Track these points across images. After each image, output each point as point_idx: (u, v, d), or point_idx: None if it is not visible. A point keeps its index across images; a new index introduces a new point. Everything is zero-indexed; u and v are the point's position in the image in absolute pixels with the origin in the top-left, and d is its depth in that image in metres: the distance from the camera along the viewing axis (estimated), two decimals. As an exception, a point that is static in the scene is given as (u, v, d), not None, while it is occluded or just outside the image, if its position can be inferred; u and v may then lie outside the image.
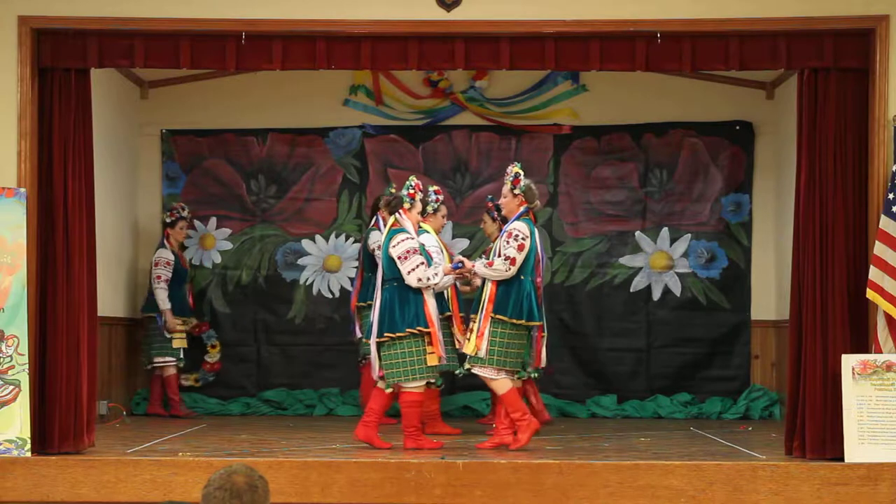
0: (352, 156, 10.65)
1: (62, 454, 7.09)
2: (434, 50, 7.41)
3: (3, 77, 7.22)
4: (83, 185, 7.35)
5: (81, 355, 7.25)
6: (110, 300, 9.42)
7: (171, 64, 7.50)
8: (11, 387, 7.04)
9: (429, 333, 7.62)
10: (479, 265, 7.75)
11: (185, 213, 10.19)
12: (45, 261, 7.27)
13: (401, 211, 7.90)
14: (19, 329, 7.07)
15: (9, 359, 7.05)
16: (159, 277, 9.91)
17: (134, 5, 7.27)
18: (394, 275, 7.72)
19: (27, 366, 7.06)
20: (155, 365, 9.97)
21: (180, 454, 7.18)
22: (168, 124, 10.60)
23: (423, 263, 7.68)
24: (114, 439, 7.99)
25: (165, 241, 10.09)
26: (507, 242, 7.65)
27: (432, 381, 7.78)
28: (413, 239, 7.77)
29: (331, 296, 10.49)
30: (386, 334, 7.64)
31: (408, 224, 7.85)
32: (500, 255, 7.65)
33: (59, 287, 7.24)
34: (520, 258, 7.63)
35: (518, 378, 7.95)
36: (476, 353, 7.64)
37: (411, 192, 7.89)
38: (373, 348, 7.76)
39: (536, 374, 8.17)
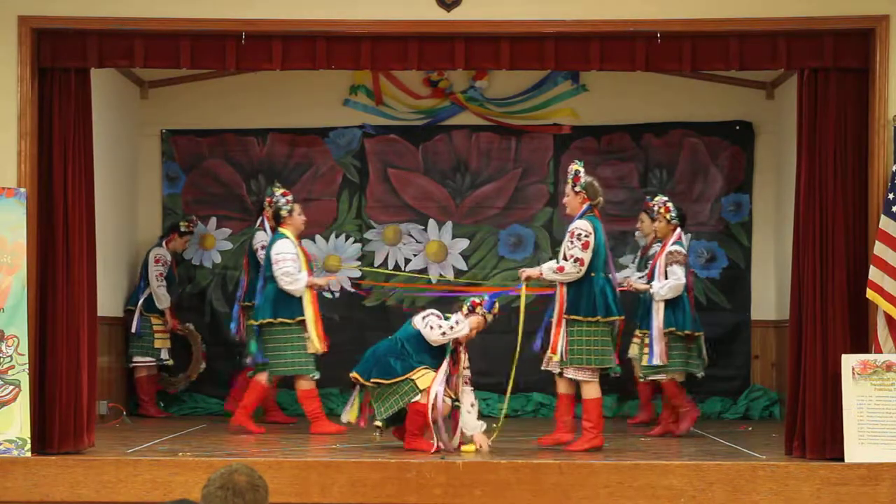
0: (352, 156, 10.65)
1: (62, 454, 7.09)
2: (434, 50, 7.41)
3: (3, 77, 7.22)
4: (83, 185, 7.35)
5: (81, 355, 7.25)
6: (110, 300, 9.42)
7: (171, 64, 7.51)
8: (11, 387, 7.04)
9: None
10: (547, 271, 7.68)
11: (194, 229, 10.26)
12: (45, 261, 7.27)
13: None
14: (19, 329, 7.07)
15: (9, 359, 7.05)
16: (161, 275, 9.89)
17: (134, 5, 7.27)
18: None
19: (27, 366, 7.06)
20: (133, 364, 9.91)
21: (180, 454, 7.18)
22: (168, 124, 10.59)
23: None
24: (114, 439, 7.99)
25: (165, 243, 10.08)
26: (571, 243, 7.62)
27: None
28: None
29: (331, 296, 10.48)
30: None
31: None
32: (567, 258, 7.59)
33: (59, 287, 7.24)
34: (587, 257, 7.59)
35: (613, 374, 7.91)
36: (555, 357, 7.61)
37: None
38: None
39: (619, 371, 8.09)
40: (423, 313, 7.77)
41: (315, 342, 8.70)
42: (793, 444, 7.23)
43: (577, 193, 7.82)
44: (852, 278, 7.14)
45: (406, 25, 7.30)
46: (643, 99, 10.38)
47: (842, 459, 6.90)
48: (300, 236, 9.12)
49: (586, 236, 7.61)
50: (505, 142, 10.63)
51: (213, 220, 10.60)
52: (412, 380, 7.54)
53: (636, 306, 9.02)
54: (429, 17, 7.26)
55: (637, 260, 9.67)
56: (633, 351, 9.21)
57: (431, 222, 10.60)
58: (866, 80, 7.22)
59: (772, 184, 10.38)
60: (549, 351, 7.73)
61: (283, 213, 8.88)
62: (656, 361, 8.45)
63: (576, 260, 7.56)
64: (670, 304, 8.51)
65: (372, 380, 7.60)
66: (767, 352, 10.43)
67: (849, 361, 6.99)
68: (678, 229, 8.81)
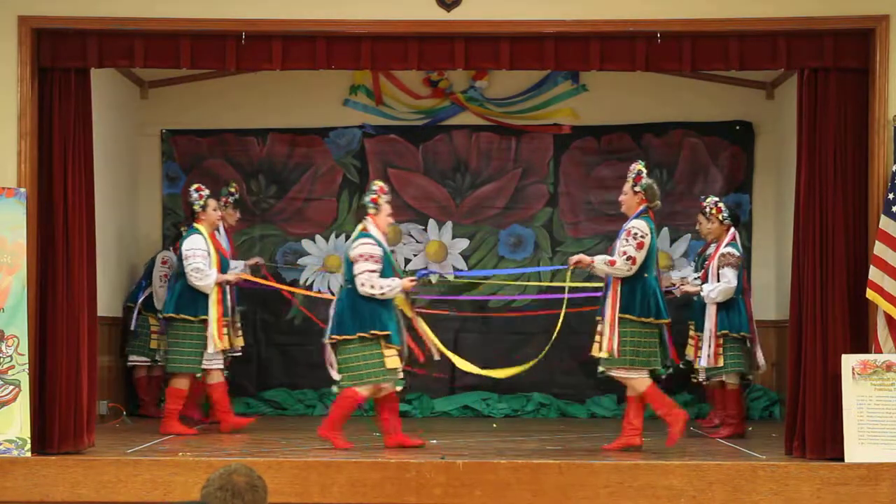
0: (352, 156, 10.65)
1: (62, 454, 7.09)
2: (434, 50, 7.41)
3: (3, 77, 7.22)
4: (83, 185, 7.35)
5: (81, 355, 7.25)
6: (110, 300, 9.41)
7: (171, 64, 7.50)
8: (11, 387, 7.04)
9: (386, 337, 7.63)
10: (599, 262, 7.66)
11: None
12: (45, 261, 7.27)
13: (367, 216, 7.89)
14: (19, 329, 7.07)
15: (9, 359, 7.05)
16: (165, 276, 9.88)
17: (134, 5, 7.27)
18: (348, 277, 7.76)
19: (27, 366, 7.06)
20: (130, 363, 9.89)
21: (180, 454, 7.18)
22: (168, 124, 10.59)
23: (373, 271, 7.66)
24: (114, 439, 7.99)
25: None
26: (627, 241, 7.61)
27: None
28: (376, 245, 7.74)
29: (331, 296, 10.46)
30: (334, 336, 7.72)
31: (373, 229, 7.84)
32: (622, 254, 7.58)
33: (59, 287, 7.24)
34: (640, 257, 7.58)
35: (661, 375, 7.87)
36: (608, 355, 7.57)
37: (374, 196, 7.88)
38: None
39: (672, 370, 8.05)
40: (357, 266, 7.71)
41: (216, 341, 8.59)
42: (793, 444, 7.23)
43: (635, 193, 7.79)
44: (852, 278, 7.14)
45: (406, 25, 7.30)
46: (643, 99, 10.38)
47: (842, 459, 6.90)
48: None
49: (642, 236, 7.59)
50: (505, 142, 10.63)
51: (213, 221, 10.60)
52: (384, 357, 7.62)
53: (691, 308, 9.09)
54: (429, 17, 7.26)
55: (696, 260, 9.65)
56: (690, 353, 9.26)
57: (431, 222, 10.60)
58: (866, 80, 7.22)
59: (772, 184, 10.38)
60: (600, 351, 7.67)
61: (196, 208, 8.80)
62: (704, 363, 8.52)
63: (628, 258, 7.55)
64: (724, 307, 8.52)
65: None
66: (767, 352, 10.36)
67: (849, 361, 6.99)
68: (732, 230, 8.79)
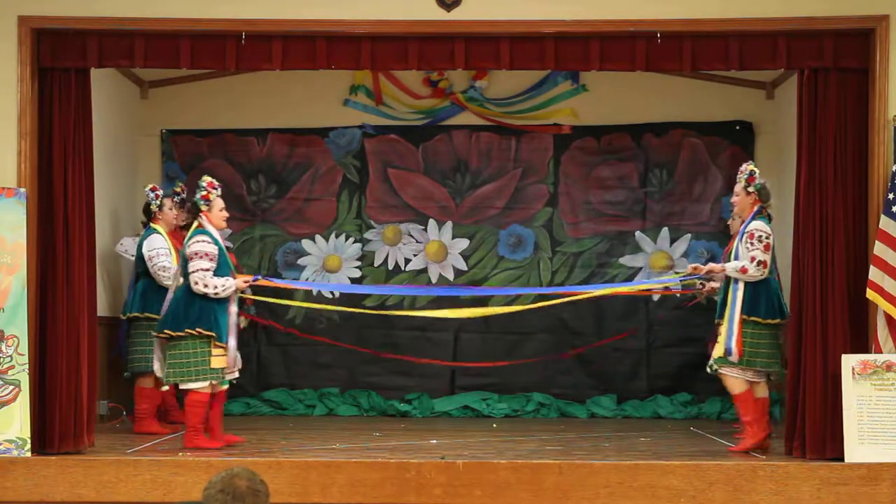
0: (352, 156, 10.65)
1: (62, 454, 7.09)
2: (434, 50, 7.41)
3: (3, 77, 7.22)
4: (83, 185, 7.35)
5: (81, 355, 7.25)
6: (110, 300, 9.41)
7: (171, 64, 7.50)
8: (11, 387, 7.04)
9: (215, 336, 7.59)
10: (730, 269, 7.56)
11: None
12: (45, 261, 7.27)
13: (200, 213, 7.81)
14: (19, 329, 7.07)
15: (9, 359, 7.05)
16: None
17: (134, 5, 7.27)
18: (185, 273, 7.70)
19: (27, 366, 7.07)
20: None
21: (180, 454, 7.18)
22: (168, 124, 10.59)
23: (207, 269, 7.59)
24: (114, 439, 7.99)
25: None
26: (752, 244, 7.54)
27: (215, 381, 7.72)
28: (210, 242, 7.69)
29: (331, 296, 10.48)
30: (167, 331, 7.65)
31: (208, 226, 7.78)
32: (751, 260, 7.51)
33: (59, 287, 7.24)
34: (769, 259, 7.54)
35: (777, 377, 7.84)
36: (724, 356, 7.48)
37: (205, 193, 7.78)
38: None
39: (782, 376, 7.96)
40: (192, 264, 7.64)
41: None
42: (793, 444, 7.23)
43: (748, 194, 7.75)
44: (852, 278, 7.14)
45: (406, 25, 7.30)
46: (643, 99, 10.38)
47: (842, 459, 6.90)
48: (173, 232, 9.00)
49: (767, 238, 7.54)
50: (505, 142, 10.63)
51: (213, 220, 10.60)
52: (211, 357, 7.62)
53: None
54: (429, 17, 7.26)
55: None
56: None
57: (431, 222, 10.60)
58: (866, 80, 7.22)
59: (772, 184, 10.33)
60: (725, 353, 7.55)
61: (153, 207, 8.80)
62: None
63: (759, 262, 7.49)
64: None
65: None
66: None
67: (849, 361, 6.99)
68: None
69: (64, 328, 7.22)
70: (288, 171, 10.63)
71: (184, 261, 7.71)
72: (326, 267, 10.58)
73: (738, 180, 7.83)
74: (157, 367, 7.80)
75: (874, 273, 6.97)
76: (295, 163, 10.65)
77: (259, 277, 8.06)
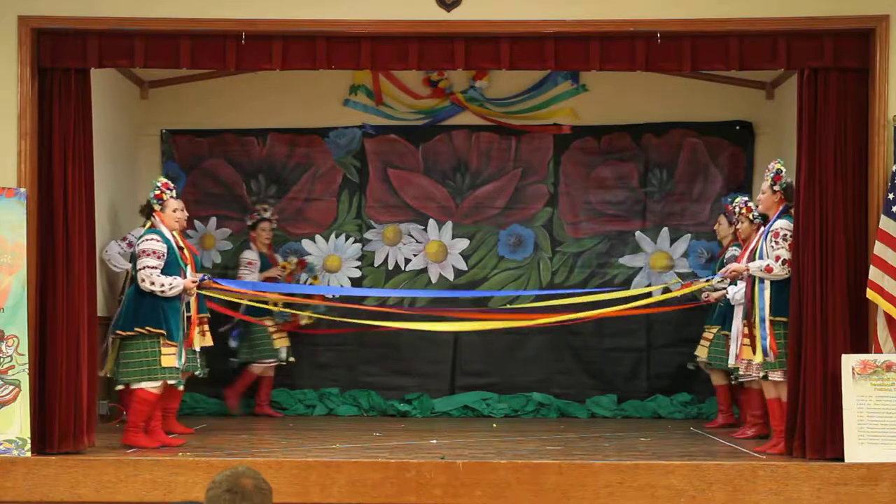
0: (352, 156, 10.65)
1: (62, 454, 7.10)
2: (434, 50, 7.41)
3: (3, 77, 7.23)
4: (83, 185, 7.35)
5: (81, 355, 7.25)
6: (110, 300, 9.41)
7: (171, 64, 7.50)
8: (11, 387, 7.04)
9: (165, 334, 7.61)
10: (754, 269, 7.54)
11: (267, 215, 10.15)
12: (45, 261, 7.27)
13: (154, 214, 7.89)
14: (19, 329, 7.08)
15: (9, 359, 7.05)
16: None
17: (134, 5, 7.27)
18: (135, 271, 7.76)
19: (27, 366, 7.07)
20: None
21: (180, 454, 7.18)
22: (168, 124, 10.59)
23: (154, 267, 7.63)
24: (114, 439, 7.98)
25: (252, 244, 10.07)
26: (777, 243, 7.51)
27: (171, 381, 7.74)
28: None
29: (331, 296, 10.47)
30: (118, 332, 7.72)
31: (160, 225, 7.85)
32: (776, 259, 7.47)
33: (59, 287, 7.25)
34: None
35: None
36: (766, 359, 7.44)
37: (158, 192, 7.87)
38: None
39: None
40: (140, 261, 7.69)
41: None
42: (793, 444, 7.23)
43: (774, 192, 7.71)
44: (852, 278, 7.14)
45: (406, 25, 7.30)
46: (643, 99, 10.38)
47: (842, 459, 6.90)
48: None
49: (791, 236, 7.45)
50: (505, 142, 10.63)
51: (213, 221, 10.60)
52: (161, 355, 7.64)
53: (712, 307, 9.16)
54: (429, 17, 7.26)
55: (716, 263, 9.60)
56: (702, 354, 9.24)
57: (431, 222, 10.60)
58: (866, 80, 7.23)
59: (772, 184, 10.36)
60: (752, 356, 7.53)
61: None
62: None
63: (783, 261, 7.45)
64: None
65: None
66: (767, 352, 10.42)
67: (849, 361, 6.99)
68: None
69: (64, 328, 7.22)
70: (288, 171, 10.63)
71: (133, 260, 7.81)
72: (326, 267, 10.58)
73: (764, 178, 7.81)
74: (107, 367, 7.87)
75: (874, 273, 6.97)
76: (295, 163, 10.65)
77: (206, 278, 8.03)
